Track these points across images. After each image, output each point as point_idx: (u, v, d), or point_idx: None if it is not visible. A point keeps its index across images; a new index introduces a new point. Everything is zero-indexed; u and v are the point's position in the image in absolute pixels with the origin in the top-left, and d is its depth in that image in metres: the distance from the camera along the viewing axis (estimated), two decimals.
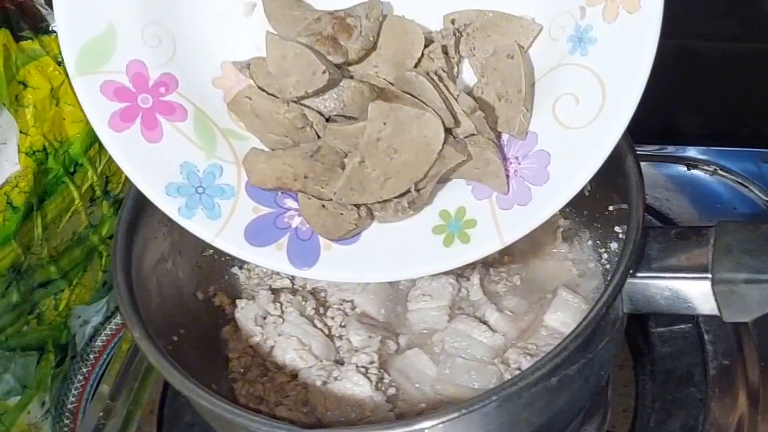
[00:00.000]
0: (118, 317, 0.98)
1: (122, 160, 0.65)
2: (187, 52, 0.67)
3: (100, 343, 0.98)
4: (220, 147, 0.67)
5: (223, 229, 0.66)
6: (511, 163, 0.66)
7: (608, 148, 0.62)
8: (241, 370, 0.76)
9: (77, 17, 0.62)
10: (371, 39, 0.65)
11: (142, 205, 0.70)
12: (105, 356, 0.99)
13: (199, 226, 0.66)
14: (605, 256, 0.77)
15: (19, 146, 0.83)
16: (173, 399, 0.80)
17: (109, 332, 0.99)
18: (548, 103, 0.65)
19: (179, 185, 0.65)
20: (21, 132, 0.83)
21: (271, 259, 0.67)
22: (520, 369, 0.70)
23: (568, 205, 0.72)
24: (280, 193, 0.68)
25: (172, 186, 0.65)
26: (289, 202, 0.68)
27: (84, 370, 0.98)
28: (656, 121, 0.68)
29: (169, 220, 0.69)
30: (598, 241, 0.78)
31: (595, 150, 0.63)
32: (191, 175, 0.66)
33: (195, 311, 0.76)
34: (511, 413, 0.61)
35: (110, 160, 0.90)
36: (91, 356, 0.98)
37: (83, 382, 0.98)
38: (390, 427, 0.59)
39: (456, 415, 0.58)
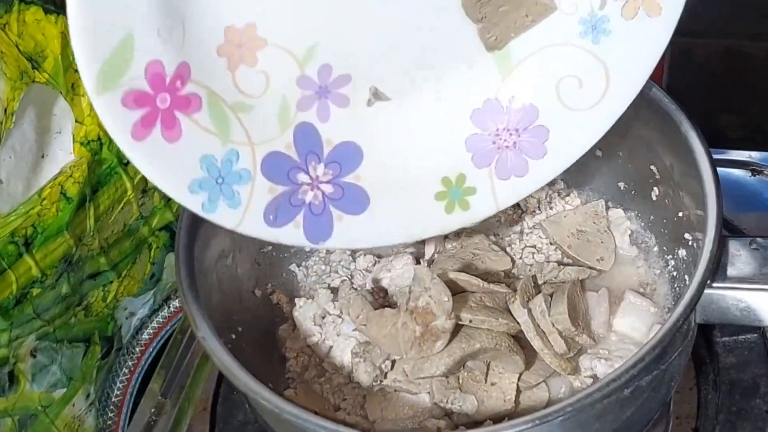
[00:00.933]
0: (165, 310, 0.97)
1: (146, 168, 0.64)
2: (193, 30, 0.65)
3: (147, 336, 0.97)
4: (233, 129, 0.66)
5: (244, 216, 0.66)
6: (511, 134, 0.69)
7: (601, 133, 0.68)
8: (298, 370, 0.74)
9: (96, 35, 0.59)
10: (446, 299, 0.67)
11: None
12: (151, 349, 0.98)
13: (221, 217, 0.65)
14: (672, 263, 0.75)
15: (74, 135, 0.82)
16: (226, 397, 0.79)
17: (156, 325, 0.97)
18: (553, 80, 0.68)
19: (201, 180, 0.65)
20: (76, 121, 0.82)
21: (290, 237, 0.68)
22: (594, 375, 0.68)
23: (633, 208, 0.72)
24: (291, 168, 0.68)
25: (194, 183, 0.65)
26: (301, 176, 0.68)
27: (130, 363, 0.96)
28: (701, 123, 0.68)
29: None
30: (664, 247, 0.76)
31: (589, 134, 0.68)
32: (211, 167, 0.65)
33: (253, 309, 0.75)
34: (583, 424, 0.60)
35: None
36: (137, 349, 0.97)
37: (129, 376, 0.97)
38: None
39: (529, 425, 0.56)
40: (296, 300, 0.76)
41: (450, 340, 0.67)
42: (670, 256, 0.76)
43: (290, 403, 0.57)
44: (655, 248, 0.77)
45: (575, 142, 0.69)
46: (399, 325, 0.67)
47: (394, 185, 0.70)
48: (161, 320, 0.98)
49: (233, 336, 0.69)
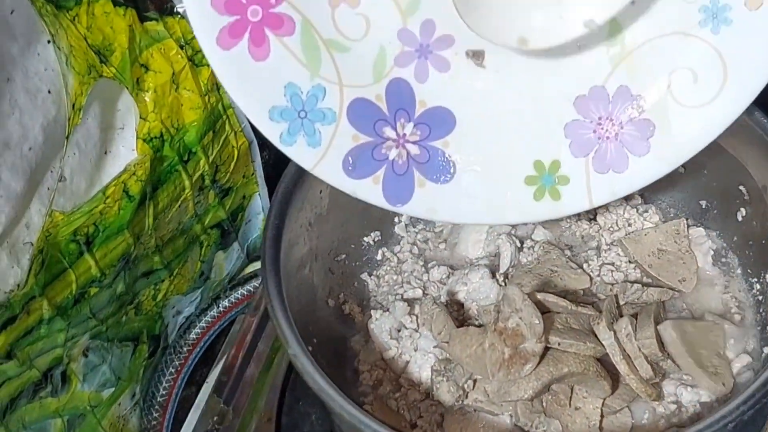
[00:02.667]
0: (214, 309, 0.95)
1: (228, 81, 0.62)
2: None
3: (195, 336, 0.95)
4: (324, 65, 0.64)
5: (323, 157, 0.64)
6: (613, 124, 0.65)
7: (713, 136, 0.62)
8: (372, 384, 0.72)
9: None
10: (537, 322, 0.64)
11: (287, 209, 0.66)
12: (198, 349, 0.96)
13: (299, 153, 0.63)
14: (758, 286, 0.73)
15: (137, 132, 0.79)
16: (291, 407, 0.77)
17: (205, 324, 0.95)
18: (665, 72, 0.63)
19: (283, 109, 0.62)
20: (140, 117, 0.79)
21: (367, 192, 0.65)
22: (677, 402, 0.66)
23: (715, 228, 0.70)
24: (378, 120, 0.65)
25: (275, 110, 0.62)
26: (388, 131, 0.66)
27: (176, 362, 0.95)
28: None
29: (311, 222, 0.66)
30: (749, 269, 0.74)
31: (699, 136, 0.62)
32: (295, 97, 0.63)
33: (326, 320, 0.73)
34: None
35: (222, 148, 0.87)
36: (185, 349, 0.95)
37: (175, 375, 0.95)
38: None
39: None
40: (372, 312, 0.74)
41: (537, 363, 0.65)
42: (755, 279, 0.74)
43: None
44: (739, 270, 0.76)
45: (682, 142, 0.64)
46: (486, 346, 0.65)
47: (483, 161, 0.67)
48: (210, 320, 0.96)
49: (310, 348, 0.67)
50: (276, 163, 1.06)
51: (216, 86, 0.85)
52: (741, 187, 0.73)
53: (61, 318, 0.78)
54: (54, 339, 0.78)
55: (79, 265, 0.78)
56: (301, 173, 0.68)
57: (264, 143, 1.01)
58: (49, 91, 0.72)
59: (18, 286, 0.72)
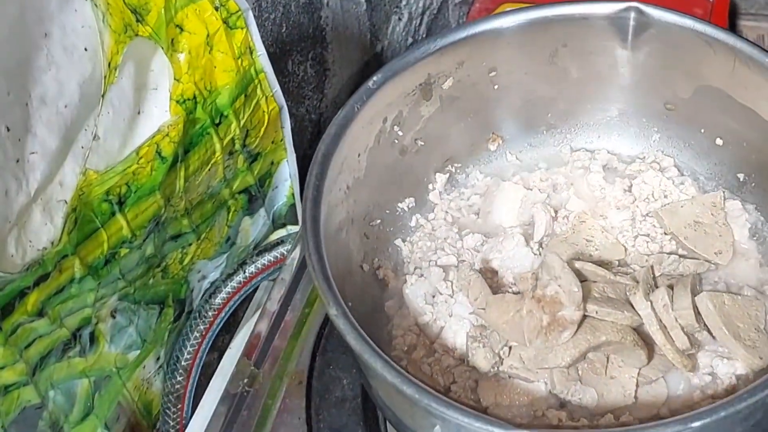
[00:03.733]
0: (240, 275, 0.95)
1: None
2: None
3: (220, 301, 0.95)
4: None
5: None
6: None
7: None
8: (405, 348, 0.72)
9: None
10: (576, 290, 0.64)
11: (326, 170, 0.65)
12: (224, 314, 0.96)
13: None
14: None
15: (171, 93, 0.79)
16: (322, 371, 0.77)
17: (230, 290, 0.95)
18: None
19: None
20: (174, 78, 0.79)
21: None
22: (713, 373, 0.66)
23: (752, 201, 0.71)
24: None
25: None
26: None
27: (201, 327, 0.94)
28: None
29: (349, 186, 0.66)
30: None
31: None
32: None
33: (361, 284, 0.73)
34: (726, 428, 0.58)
35: (253, 113, 0.87)
36: (210, 313, 0.95)
37: (200, 340, 0.95)
38: None
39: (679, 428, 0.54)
40: (407, 277, 0.74)
41: (575, 331, 0.65)
42: None
43: (439, 394, 0.55)
44: None
45: None
46: (524, 313, 0.65)
47: None
48: (236, 285, 0.96)
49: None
50: (299, 130, 1.06)
51: (249, 49, 0.84)
52: None
53: (91, 277, 0.78)
54: (84, 299, 0.78)
55: (111, 225, 0.78)
56: (340, 135, 0.68)
57: (290, 113, 1.01)
58: (85, 49, 0.71)
59: (51, 243, 0.72)
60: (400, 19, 1.30)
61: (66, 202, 0.72)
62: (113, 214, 0.77)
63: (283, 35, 0.99)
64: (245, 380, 0.75)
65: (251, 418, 0.74)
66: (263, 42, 0.86)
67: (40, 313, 0.74)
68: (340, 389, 0.76)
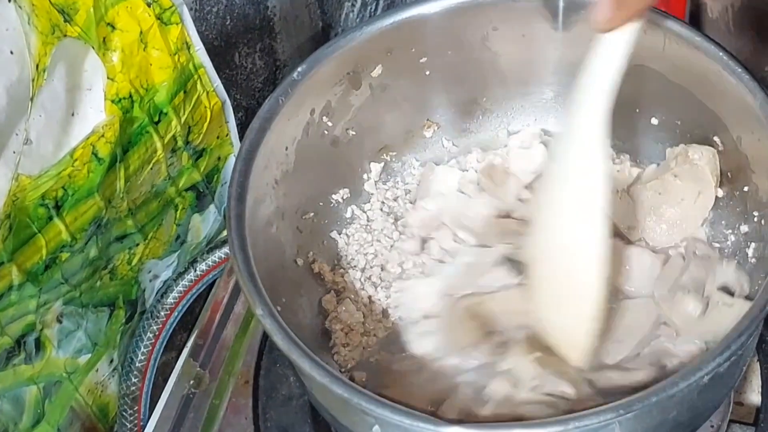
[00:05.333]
0: (191, 273, 0.94)
1: None
2: None
3: (172, 300, 0.94)
4: None
5: None
6: None
7: None
8: (345, 343, 0.71)
9: None
10: None
11: (251, 166, 0.65)
12: (176, 313, 0.95)
13: None
14: (732, 238, 0.72)
15: (105, 93, 0.78)
16: (269, 369, 0.76)
17: (182, 289, 0.94)
18: None
19: None
20: (108, 78, 0.78)
21: None
22: None
23: None
24: None
25: None
26: None
27: (155, 327, 0.94)
28: None
29: (277, 180, 0.65)
30: (723, 221, 0.73)
31: None
32: None
33: (295, 279, 0.72)
34: (663, 411, 0.57)
35: (194, 109, 0.86)
36: (163, 313, 0.94)
37: (153, 340, 0.94)
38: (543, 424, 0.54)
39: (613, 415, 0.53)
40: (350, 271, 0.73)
41: None
42: (730, 231, 0.73)
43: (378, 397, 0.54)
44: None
45: None
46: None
47: None
48: (187, 284, 0.95)
49: (279, 308, 0.66)
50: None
51: (186, 45, 0.83)
52: (716, 138, 0.72)
53: (31, 284, 0.77)
54: (25, 305, 0.77)
55: (49, 230, 0.76)
56: (265, 129, 0.67)
57: (238, 104, 1.00)
58: (11, 52, 0.70)
59: None
60: (353, 5, 1.28)
61: None
62: (50, 218, 0.76)
63: (228, 27, 0.98)
64: (191, 382, 0.75)
65: (198, 419, 0.74)
66: (207, 36, 0.85)
67: None
68: (286, 387, 0.75)
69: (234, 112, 0.94)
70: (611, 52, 0.59)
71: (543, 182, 0.67)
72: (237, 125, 0.96)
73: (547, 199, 0.64)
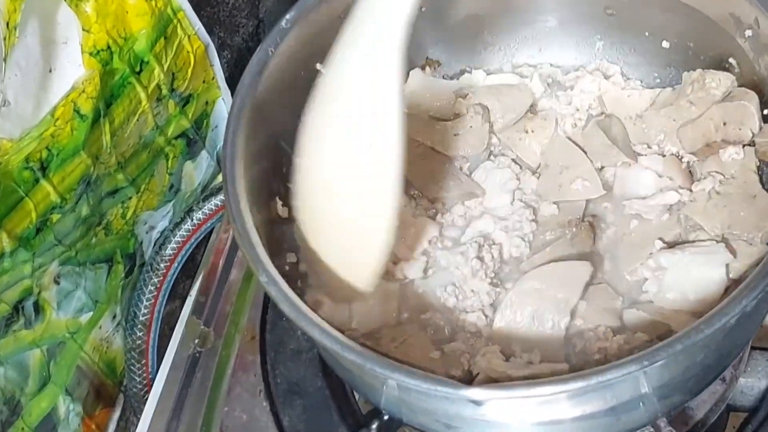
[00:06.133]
0: (188, 223, 0.92)
1: None
2: None
3: (171, 252, 0.92)
4: None
5: None
6: None
7: None
8: None
9: None
10: None
11: (242, 124, 0.61)
12: (176, 264, 0.93)
13: None
14: None
15: (82, 46, 0.74)
16: (274, 323, 0.74)
17: (180, 239, 0.92)
18: None
19: None
20: (83, 29, 0.74)
21: None
22: None
23: None
24: None
25: None
26: None
27: (155, 279, 0.91)
28: None
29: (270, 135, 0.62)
30: None
31: None
32: None
33: None
34: (690, 355, 0.55)
35: (176, 54, 0.82)
36: (162, 265, 0.92)
37: (155, 293, 0.92)
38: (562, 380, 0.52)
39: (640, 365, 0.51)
40: None
41: None
42: None
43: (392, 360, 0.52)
44: None
45: None
46: None
47: None
48: (185, 234, 0.92)
49: (286, 268, 0.63)
50: (238, 60, 1.01)
51: None
52: (731, 60, 0.68)
53: (24, 249, 0.74)
54: (20, 271, 0.75)
55: (36, 193, 0.74)
56: (256, 84, 0.63)
57: (223, 42, 0.96)
58: None
59: None
60: None
61: None
62: (37, 181, 0.73)
63: None
64: (196, 341, 0.72)
65: (206, 379, 0.72)
66: None
67: None
68: (294, 341, 0.73)
69: (219, 51, 0.91)
70: None
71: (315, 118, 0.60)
72: (223, 65, 0.92)
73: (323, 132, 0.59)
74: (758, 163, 0.67)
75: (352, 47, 0.56)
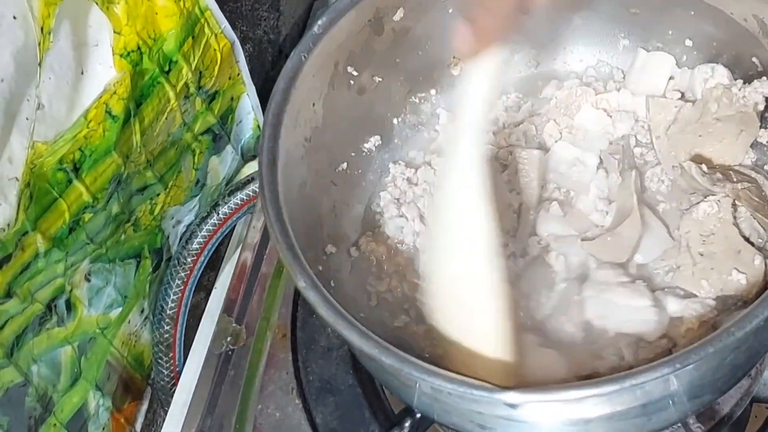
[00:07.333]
0: (213, 217, 0.93)
1: None
2: None
3: (197, 246, 0.93)
4: None
5: None
6: None
7: None
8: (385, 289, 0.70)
9: None
10: None
11: (279, 129, 0.62)
12: (203, 258, 0.94)
13: None
14: None
15: (112, 48, 0.75)
16: (305, 321, 0.75)
17: (206, 233, 0.93)
18: None
19: None
20: (114, 32, 0.74)
21: None
22: None
23: None
24: None
25: None
26: None
27: (182, 274, 0.93)
28: None
29: (307, 138, 0.63)
30: None
31: None
32: None
33: (333, 233, 0.70)
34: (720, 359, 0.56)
35: (204, 53, 0.83)
36: (189, 260, 0.93)
37: (182, 287, 0.93)
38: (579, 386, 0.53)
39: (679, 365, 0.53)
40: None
41: None
42: None
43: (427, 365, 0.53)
44: None
45: None
46: None
47: None
48: (211, 228, 0.93)
49: (320, 267, 0.64)
50: (259, 53, 1.02)
51: None
52: (754, 59, 0.69)
53: (57, 249, 0.75)
54: (53, 270, 0.76)
55: (70, 194, 0.75)
56: (290, 89, 0.64)
57: (245, 36, 0.96)
58: (14, 17, 0.67)
59: (8, 224, 0.69)
60: None
61: (17, 179, 0.69)
62: (70, 182, 0.74)
63: None
64: (228, 339, 0.74)
65: (239, 377, 0.73)
66: None
67: (8, 294, 0.72)
68: (325, 338, 0.74)
69: (242, 45, 0.91)
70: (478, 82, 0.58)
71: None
72: (246, 58, 0.93)
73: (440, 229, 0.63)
74: (734, 212, 0.67)
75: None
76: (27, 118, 0.70)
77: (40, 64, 0.69)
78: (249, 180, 0.93)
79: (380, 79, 0.74)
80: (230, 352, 0.74)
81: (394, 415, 0.72)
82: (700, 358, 0.53)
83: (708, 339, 0.53)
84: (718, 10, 0.69)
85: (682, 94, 0.74)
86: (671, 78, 0.75)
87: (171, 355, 0.94)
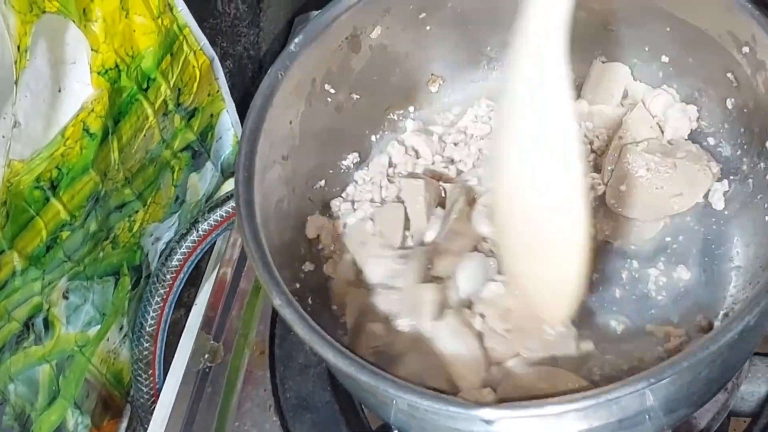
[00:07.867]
0: (193, 234, 0.92)
1: None
2: None
3: (177, 263, 0.93)
4: None
5: None
6: None
7: None
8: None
9: None
10: None
11: (255, 146, 0.62)
12: (182, 275, 0.94)
13: None
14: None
15: (90, 65, 0.75)
16: (283, 338, 0.75)
17: (186, 250, 0.93)
18: None
19: None
20: (92, 49, 0.75)
21: None
22: None
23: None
24: None
25: None
26: None
27: (162, 291, 0.92)
28: None
29: (284, 156, 0.63)
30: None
31: None
32: None
33: (310, 249, 0.70)
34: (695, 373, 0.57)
35: (183, 70, 0.83)
36: (168, 276, 0.92)
37: (161, 304, 0.93)
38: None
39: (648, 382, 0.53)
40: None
41: None
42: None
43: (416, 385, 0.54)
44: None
45: None
46: None
47: None
48: (190, 245, 0.93)
49: (297, 285, 0.64)
50: (239, 69, 1.02)
51: (168, 7, 0.80)
52: (729, 75, 0.70)
53: (34, 267, 0.75)
54: (30, 288, 0.76)
55: (47, 212, 0.75)
56: (266, 107, 0.64)
57: (225, 52, 0.97)
58: None
59: None
60: None
61: None
62: (47, 200, 0.74)
63: None
64: (206, 356, 0.74)
65: (216, 393, 0.73)
66: None
67: None
68: (303, 355, 0.74)
69: (221, 62, 0.92)
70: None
71: (499, 148, 0.61)
72: (226, 75, 0.93)
73: (510, 162, 0.60)
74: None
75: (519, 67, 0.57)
76: (3, 136, 0.70)
77: (16, 82, 0.69)
78: (229, 196, 0.93)
79: (358, 97, 0.74)
80: (208, 370, 0.74)
81: (372, 431, 0.72)
82: (674, 372, 0.53)
83: (683, 354, 0.54)
84: (693, 26, 0.69)
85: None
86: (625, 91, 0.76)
87: (150, 372, 0.93)
